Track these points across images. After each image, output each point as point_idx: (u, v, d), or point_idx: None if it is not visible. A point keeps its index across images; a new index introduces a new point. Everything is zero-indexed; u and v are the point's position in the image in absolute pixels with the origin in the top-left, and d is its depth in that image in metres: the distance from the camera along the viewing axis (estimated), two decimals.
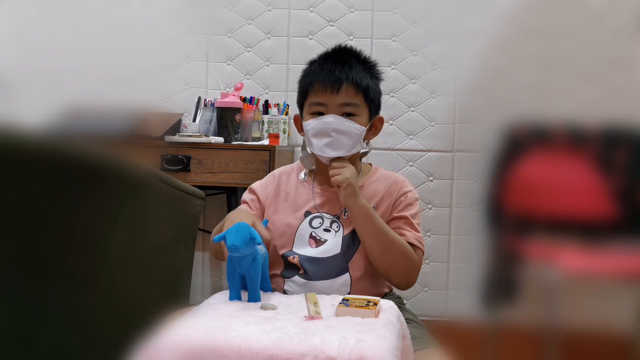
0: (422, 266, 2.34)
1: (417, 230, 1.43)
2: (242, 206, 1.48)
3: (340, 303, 1.11)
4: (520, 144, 1.61)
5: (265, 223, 1.37)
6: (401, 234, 1.40)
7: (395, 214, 1.43)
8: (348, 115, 1.39)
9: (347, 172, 1.35)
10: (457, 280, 2.36)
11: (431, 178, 2.39)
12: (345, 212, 1.42)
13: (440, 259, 2.38)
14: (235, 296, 1.18)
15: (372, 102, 1.42)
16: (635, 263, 1.48)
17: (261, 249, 1.22)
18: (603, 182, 1.57)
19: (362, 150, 1.47)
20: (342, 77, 1.38)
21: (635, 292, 1.54)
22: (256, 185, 1.51)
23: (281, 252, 1.42)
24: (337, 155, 1.40)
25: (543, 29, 1.58)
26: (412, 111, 2.41)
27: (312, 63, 1.47)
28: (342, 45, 1.50)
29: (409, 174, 2.38)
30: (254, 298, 1.18)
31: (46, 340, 1.08)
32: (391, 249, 1.37)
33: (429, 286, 2.38)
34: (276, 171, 1.54)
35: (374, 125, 1.46)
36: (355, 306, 1.08)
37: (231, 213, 1.38)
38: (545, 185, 1.58)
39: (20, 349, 1.05)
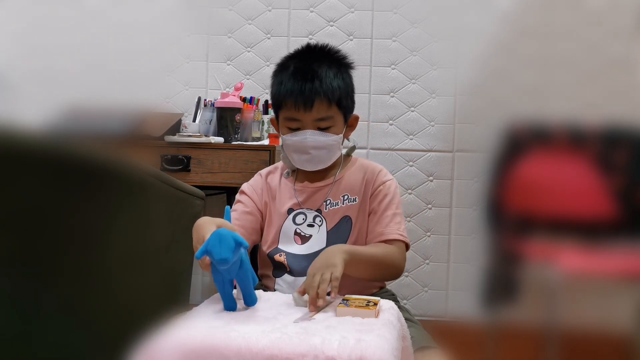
0: (422, 266, 2.34)
1: (399, 224, 1.42)
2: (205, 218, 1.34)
3: (340, 303, 1.11)
4: (520, 144, 1.61)
5: (228, 210, 1.25)
6: (383, 233, 1.39)
7: (376, 207, 1.42)
8: (323, 128, 1.39)
9: (326, 275, 1.18)
10: (457, 280, 2.36)
11: (431, 178, 2.39)
12: (326, 205, 1.43)
13: (440, 259, 2.38)
14: (229, 306, 1.09)
15: (346, 108, 1.43)
16: (635, 263, 1.48)
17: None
18: (603, 182, 1.57)
19: (347, 149, 1.49)
20: (314, 94, 1.37)
21: (635, 292, 1.54)
22: (246, 186, 1.51)
23: (267, 251, 1.44)
24: (319, 168, 1.43)
25: (543, 29, 1.58)
26: (412, 111, 2.41)
27: (282, 69, 1.45)
28: (310, 46, 1.48)
29: (409, 174, 2.38)
30: (250, 302, 1.10)
31: (45, 340, 1.08)
32: (380, 269, 1.38)
33: (429, 286, 2.38)
34: (263, 171, 1.55)
35: (350, 123, 1.47)
36: (356, 306, 1.08)
37: (198, 223, 1.24)
38: (546, 185, 1.58)
39: (19, 349, 1.05)
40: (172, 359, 0.92)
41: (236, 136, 2.21)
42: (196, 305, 1.17)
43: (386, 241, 1.39)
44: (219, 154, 2.04)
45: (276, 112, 1.47)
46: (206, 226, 1.13)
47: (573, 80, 1.51)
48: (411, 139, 2.41)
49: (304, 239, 1.42)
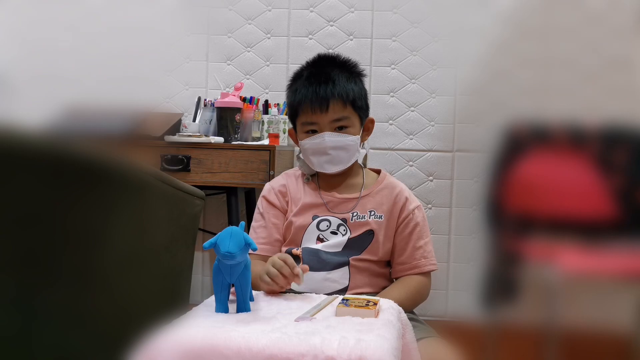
0: None
1: (430, 252, 1.49)
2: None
3: (340, 303, 1.11)
4: (520, 144, 1.61)
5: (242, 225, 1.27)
6: (416, 265, 1.47)
7: (407, 237, 1.47)
8: (340, 128, 1.42)
9: None
10: (457, 280, 2.35)
11: (431, 178, 2.39)
12: (353, 217, 1.44)
13: (440, 259, 2.38)
14: (222, 308, 1.09)
15: (361, 109, 1.46)
16: (635, 263, 1.48)
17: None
18: (603, 182, 1.57)
19: (360, 155, 1.50)
20: (328, 95, 1.41)
21: (635, 292, 1.54)
22: (269, 191, 1.54)
23: (285, 248, 1.47)
24: (339, 170, 1.45)
25: (543, 29, 1.58)
26: (412, 111, 2.41)
27: (295, 78, 1.50)
28: (321, 55, 1.53)
29: (409, 174, 2.38)
30: (243, 308, 1.09)
31: (45, 341, 1.08)
32: (416, 304, 1.48)
33: None
34: (289, 171, 1.59)
35: (366, 127, 1.50)
36: (355, 306, 1.08)
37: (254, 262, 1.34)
38: (545, 185, 1.58)
39: (18, 349, 1.05)
40: (172, 359, 0.91)
41: (236, 136, 2.21)
42: (196, 305, 1.17)
43: (419, 273, 1.47)
44: (219, 154, 2.04)
45: (293, 121, 1.50)
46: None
47: (573, 80, 1.51)
48: (411, 139, 2.41)
49: (324, 242, 1.45)
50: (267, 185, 1.54)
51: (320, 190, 1.49)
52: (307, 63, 1.52)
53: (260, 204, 1.53)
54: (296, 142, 1.52)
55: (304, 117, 1.44)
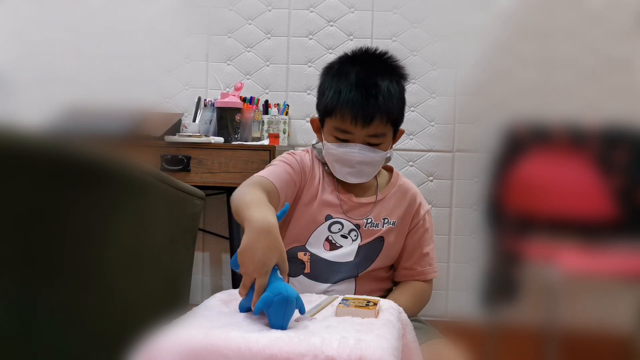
0: None
1: (434, 258, 1.48)
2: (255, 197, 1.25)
3: (340, 303, 1.11)
4: (520, 144, 1.61)
5: (287, 207, 1.20)
6: (422, 272, 1.46)
7: (415, 243, 1.46)
8: (373, 144, 1.35)
9: None
10: (457, 280, 2.35)
11: (431, 178, 2.39)
12: (367, 224, 1.42)
13: (440, 259, 2.38)
14: (244, 308, 1.06)
15: (398, 125, 1.40)
16: (635, 263, 1.48)
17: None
18: (603, 182, 1.57)
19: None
20: (375, 111, 1.31)
21: (635, 292, 1.54)
22: (297, 156, 1.44)
23: (293, 245, 1.41)
24: (360, 182, 1.40)
25: (543, 29, 1.58)
26: (412, 111, 2.41)
27: (339, 74, 1.36)
28: (369, 51, 1.41)
29: (409, 174, 2.38)
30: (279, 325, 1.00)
31: (45, 341, 1.08)
32: (420, 310, 1.47)
33: None
34: (312, 152, 1.48)
35: (396, 137, 1.44)
36: (355, 306, 1.08)
37: (257, 182, 1.30)
38: (545, 185, 1.58)
39: (17, 349, 1.05)
40: (172, 359, 0.91)
41: (236, 136, 2.21)
42: (196, 305, 1.17)
43: (423, 280, 1.46)
44: (219, 154, 2.04)
45: (323, 117, 1.40)
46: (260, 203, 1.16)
47: (573, 80, 1.51)
48: (411, 139, 2.41)
49: (333, 246, 1.40)
50: (299, 152, 1.45)
51: (338, 187, 1.43)
52: (354, 56, 1.40)
53: (290, 157, 1.42)
54: (318, 132, 1.43)
55: (341, 123, 1.34)
